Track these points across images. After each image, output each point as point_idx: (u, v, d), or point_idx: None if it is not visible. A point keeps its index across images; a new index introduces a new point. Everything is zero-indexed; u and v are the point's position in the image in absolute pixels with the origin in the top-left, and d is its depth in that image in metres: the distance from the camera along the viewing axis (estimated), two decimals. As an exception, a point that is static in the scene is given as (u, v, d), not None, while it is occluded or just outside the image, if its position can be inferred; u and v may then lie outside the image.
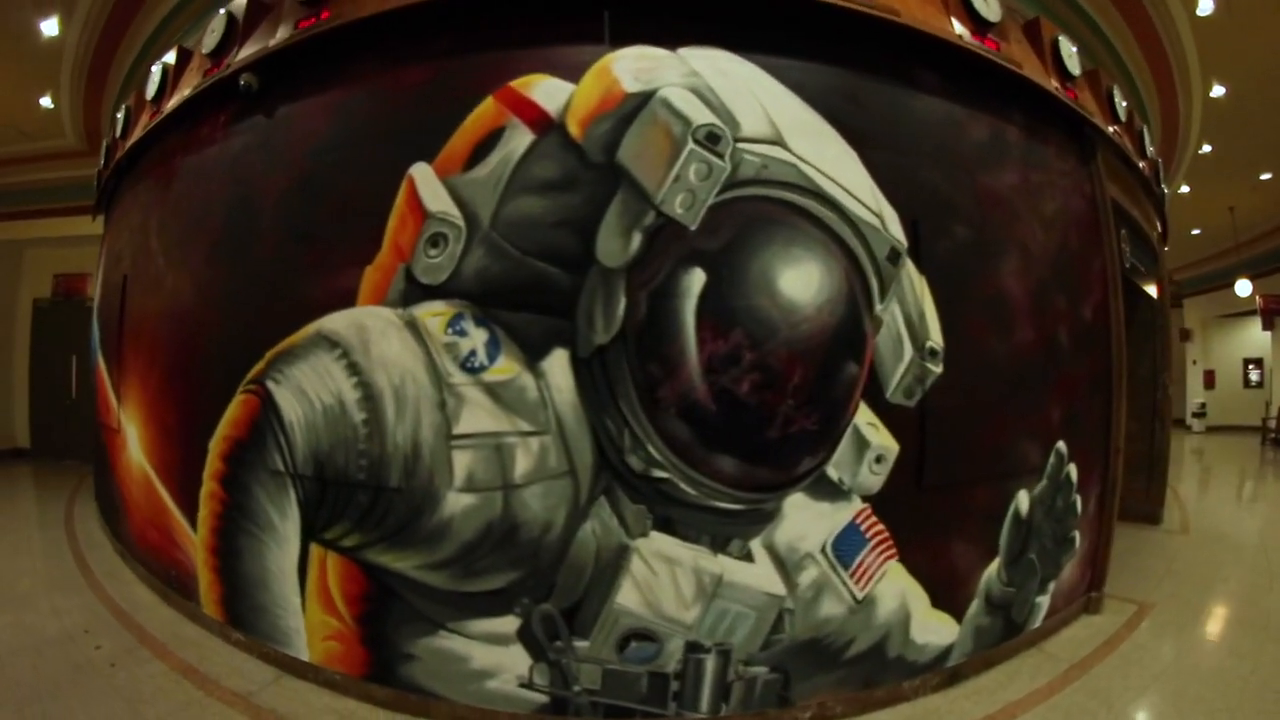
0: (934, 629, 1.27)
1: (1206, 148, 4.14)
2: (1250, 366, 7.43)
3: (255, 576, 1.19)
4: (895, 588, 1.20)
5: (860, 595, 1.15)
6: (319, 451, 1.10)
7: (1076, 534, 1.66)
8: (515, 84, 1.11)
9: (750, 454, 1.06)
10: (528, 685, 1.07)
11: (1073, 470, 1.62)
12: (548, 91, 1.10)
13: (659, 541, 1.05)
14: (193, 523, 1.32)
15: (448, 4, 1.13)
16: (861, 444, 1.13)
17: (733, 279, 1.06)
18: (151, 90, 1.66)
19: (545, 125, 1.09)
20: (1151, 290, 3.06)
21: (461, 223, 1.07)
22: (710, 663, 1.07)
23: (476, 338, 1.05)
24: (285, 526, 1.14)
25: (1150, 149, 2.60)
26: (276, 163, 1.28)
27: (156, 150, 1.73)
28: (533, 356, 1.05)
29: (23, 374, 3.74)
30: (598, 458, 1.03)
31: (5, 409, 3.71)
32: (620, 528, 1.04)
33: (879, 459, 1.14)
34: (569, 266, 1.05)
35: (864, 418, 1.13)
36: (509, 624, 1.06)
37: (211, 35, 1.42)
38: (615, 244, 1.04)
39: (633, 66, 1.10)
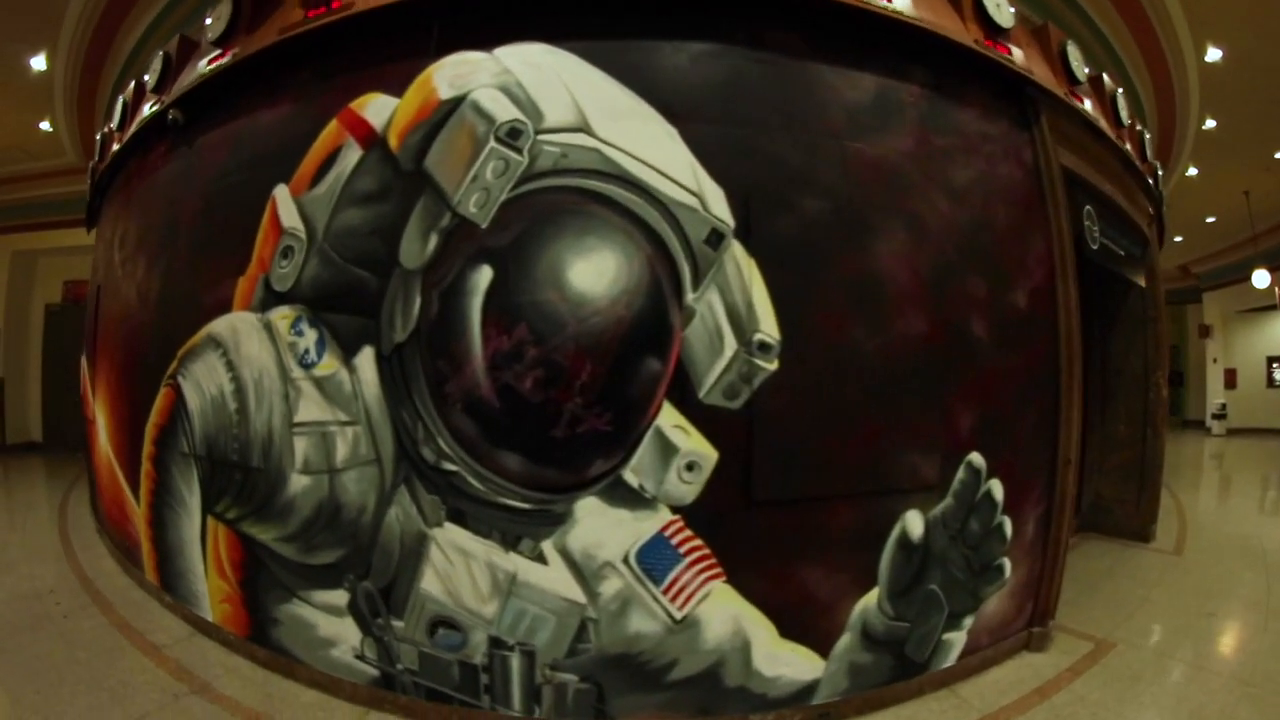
0: (787, 661, 1.19)
1: (1210, 123, 4.03)
2: (1275, 365, 7.35)
3: (175, 545, 1.52)
4: (726, 612, 1.14)
5: (679, 615, 1.11)
6: (209, 435, 1.40)
7: (1005, 562, 1.52)
8: (353, 105, 1.36)
9: (535, 453, 1.10)
10: (361, 657, 1.26)
11: (995, 487, 1.48)
12: (377, 109, 1.33)
13: (453, 533, 1.12)
14: (138, 499, 1.71)
15: (309, 36, 1.42)
16: (667, 449, 1.09)
17: (519, 274, 1.11)
18: (115, 120, 2.12)
19: (371, 140, 1.33)
20: (1140, 278, 3.08)
21: (304, 236, 1.40)
22: (515, 661, 1.13)
23: (310, 337, 1.34)
24: (191, 501, 1.44)
25: (1127, 117, 2.54)
26: (192, 187, 1.63)
27: (121, 174, 2.15)
28: (348, 354, 1.24)
29: (36, 373, 4.52)
30: (398, 448, 1.16)
31: (21, 405, 4.52)
32: (419, 515, 1.16)
33: (690, 466, 1.10)
34: (378, 271, 1.21)
35: (670, 420, 1.10)
36: (341, 597, 1.26)
37: (153, 73, 1.83)
38: (415, 247, 1.21)
39: (450, 74, 1.23)
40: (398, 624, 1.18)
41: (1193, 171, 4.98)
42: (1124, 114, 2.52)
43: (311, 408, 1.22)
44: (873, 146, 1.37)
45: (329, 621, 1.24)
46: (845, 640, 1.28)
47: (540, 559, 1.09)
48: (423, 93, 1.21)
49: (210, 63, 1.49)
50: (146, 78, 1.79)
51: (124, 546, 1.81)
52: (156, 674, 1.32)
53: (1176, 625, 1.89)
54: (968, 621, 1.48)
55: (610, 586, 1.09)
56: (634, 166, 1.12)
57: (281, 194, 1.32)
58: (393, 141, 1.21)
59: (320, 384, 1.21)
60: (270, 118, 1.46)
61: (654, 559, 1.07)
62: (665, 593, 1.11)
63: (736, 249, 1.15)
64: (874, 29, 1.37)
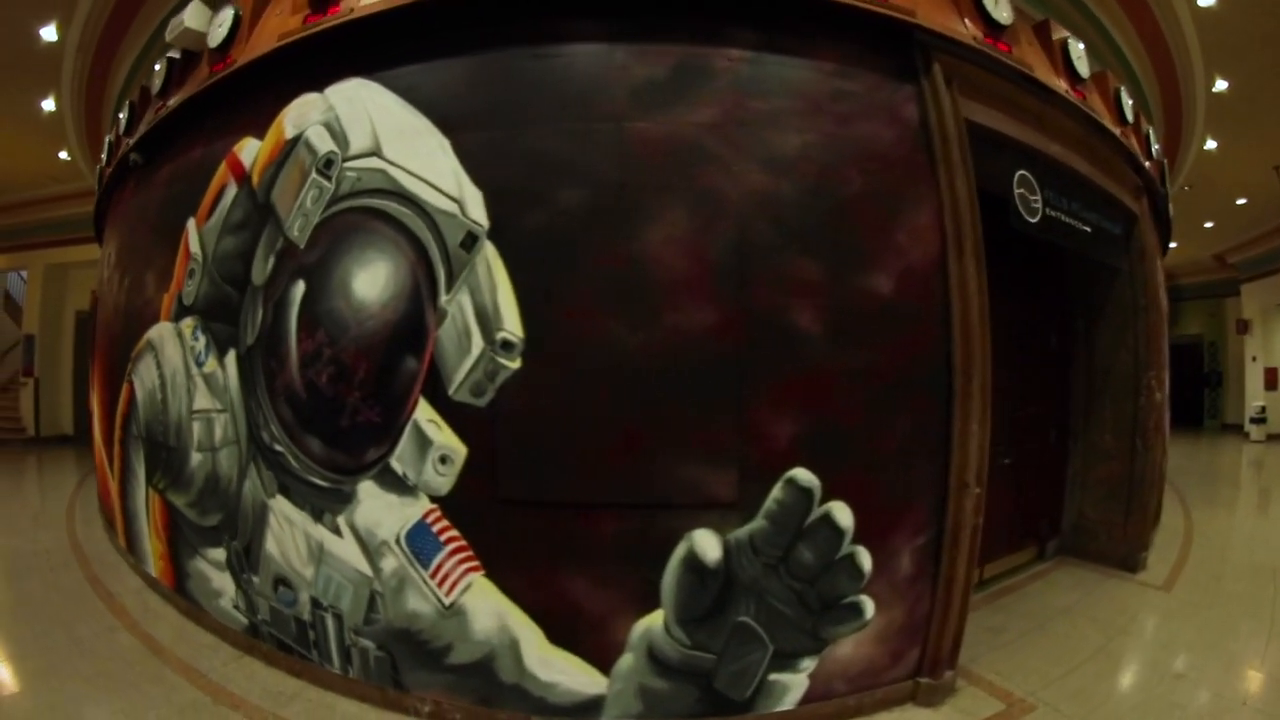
0: (561, 669, 1.52)
1: (1221, 84, 4.16)
2: (1321, 364, 7.64)
3: (134, 512, 2.47)
4: (490, 606, 1.53)
5: (447, 600, 1.55)
6: (148, 420, 2.33)
7: (863, 600, 1.62)
8: (235, 148, 2.16)
9: (330, 439, 1.68)
10: (237, 607, 2.04)
11: (838, 511, 1.58)
12: (249, 151, 2.07)
13: (282, 503, 1.77)
14: (113, 476, 2.73)
15: (212, 89, 2.18)
16: (424, 441, 1.54)
17: (320, 287, 1.72)
18: (104, 156, 3.31)
19: (242, 179, 2.08)
20: (1119, 260, 3.17)
21: (201, 260, 2.20)
22: (330, 622, 1.72)
23: (201, 342, 2.12)
24: (140, 474, 2.44)
25: (1087, 69, 2.61)
26: (146, 217, 2.59)
27: (109, 202, 3.36)
28: (222, 354, 2.01)
29: (68, 373, 6.42)
30: (249, 431, 1.88)
31: (53, 402, 6.48)
32: (261, 487, 1.88)
33: (443, 459, 1.53)
34: (240, 288, 1.95)
35: (425, 414, 1.54)
36: (221, 554, 2.03)
37: (122, 117, 2.89)
38: (260, 267, 1.91)
39: (294, 115, 1.94)
40: (255, 579, 1.81)
41: (1211, 145, 5.15)
42: (1081, 66, 2.53)
43: (202, 399, 1.94)
44: (661, 124, 1.57)
45: (217, 575, 1.95)
46: (628, 660, 1.52)
47: (337, 532, 1.62)
48: (276, 134, 1.86)
49: (155, 112, 2.35)
50: (121, 115, 2.83)
51: (108, 518, 2.89)
52: (105, 615, 2.22)
53: (1128, 688, 1.86)
54: (808, 664, 1.62)
55: (389, 564, 1.59)
56: (408, 181, 1.61)
57: (191, 226, 2.09)
58: (255, 179, 1.88)
59: (207, 380, 1.92)
60: (189, 160, 2.32)
61: (420, 543, 1.53)
62: (432, 577, 1.56)
63: (488, 250, 1.54)
64: None
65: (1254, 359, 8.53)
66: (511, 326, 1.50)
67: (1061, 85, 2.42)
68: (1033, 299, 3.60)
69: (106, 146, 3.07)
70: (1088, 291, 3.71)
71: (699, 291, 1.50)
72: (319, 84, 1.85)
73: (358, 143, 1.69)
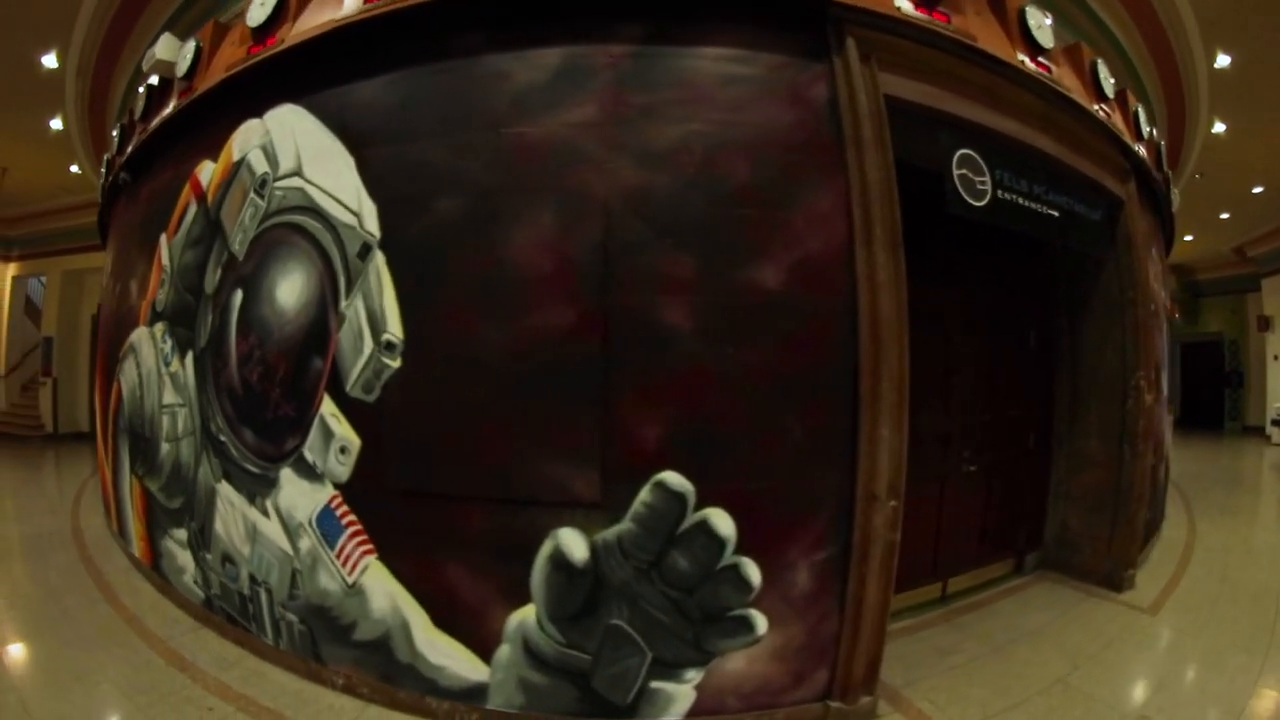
0: (446, 653, 1.84)
1: (1223, 59, 4.14)
2: (1346, 362, 8.05)
3: (122, 498, 3.16)
4: (384, 587, 1.89)
5: (350, 580, 1.94)
6: (130, 415, 2.97)
7: (754, 615, 1.76)
8: (196, 169, 2.70)
9: (259, 430, 2.16)
10: (196, 582, 2.58)
11: (717, 519, 1.73)
12: (206, 173, 2.60)
13: (226, 487, 2.27)
14: (109, 466, 3.49)
15: (178, 115, 2.80)
16: (328, 433, 1.95)
17: (254, 294, 2.20)
18: (103, 172, 4.09)
19: (200, 198, 2.62)
20: (1098, 247, 3.17)
21: (169, 271, 2.75)
22: (263, 596, 2.20)
23: (169, 344, 2.67)
24: (126, 464, 3.12)
25: (1049, 39, 2.60)
26: (133, 231, 3.24)
27: (109, 213, 4.11)
28: (183, 355, 2.55)
29: (84, 373, 7.43)
30: (202, 423, 2.43)
31: (71, 400, 7.68)
32: (211, 473, 2.41)
33: (343, 450, 1.93)
34: (197, 296, 2.51)
35: (329, 409, 1.95)
36: (184, 534, 2.60)
37: (114, 139, 3.62)
38: (211, 277, 2.42)
39: (239, 140, 2.45)
40: (209, 557, 2.31)
41: (1219, 128, 5.17)
42: (1043, 36, 2.55)
43: (169, 394, 2.48)
44: (538, 127, 1.83)
45: (181, 553, 2.48)
46: (506, 651, 1.79)
47: (266, 514, 2.08)
48: (226, 157, 2.36)
49: (138, 135, 2.96)
50: (115, 135, 3.46)
51: (106, 505, 3.51)
52: (91, 590, 2.83)
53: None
54: (693, 675, 1.76)
55: (305, 544, 2.00)
56: (320, 197, 2.04)
57: (163, 240, 2.66)
58: (209, 198, 2.40)
59: (173, 378, 2.46)
60: (164, 180, 2.91)
61: (327, 526, 1.95)
62: (337, 558, 1.96)
63: (379, 258, 1.91)
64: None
65: (1276, 358, 8.67)
66: (393, 329, 1.86)
67: (1017, 57, 2.44)
68: (1009, 292, 3.63)
69: (105, 163, 3.76)
70: (1072, 284, 3.70)
71: (560, 291, 1.74)
72: (260, 110, 2.32)
73: (284, 164, 2.14)
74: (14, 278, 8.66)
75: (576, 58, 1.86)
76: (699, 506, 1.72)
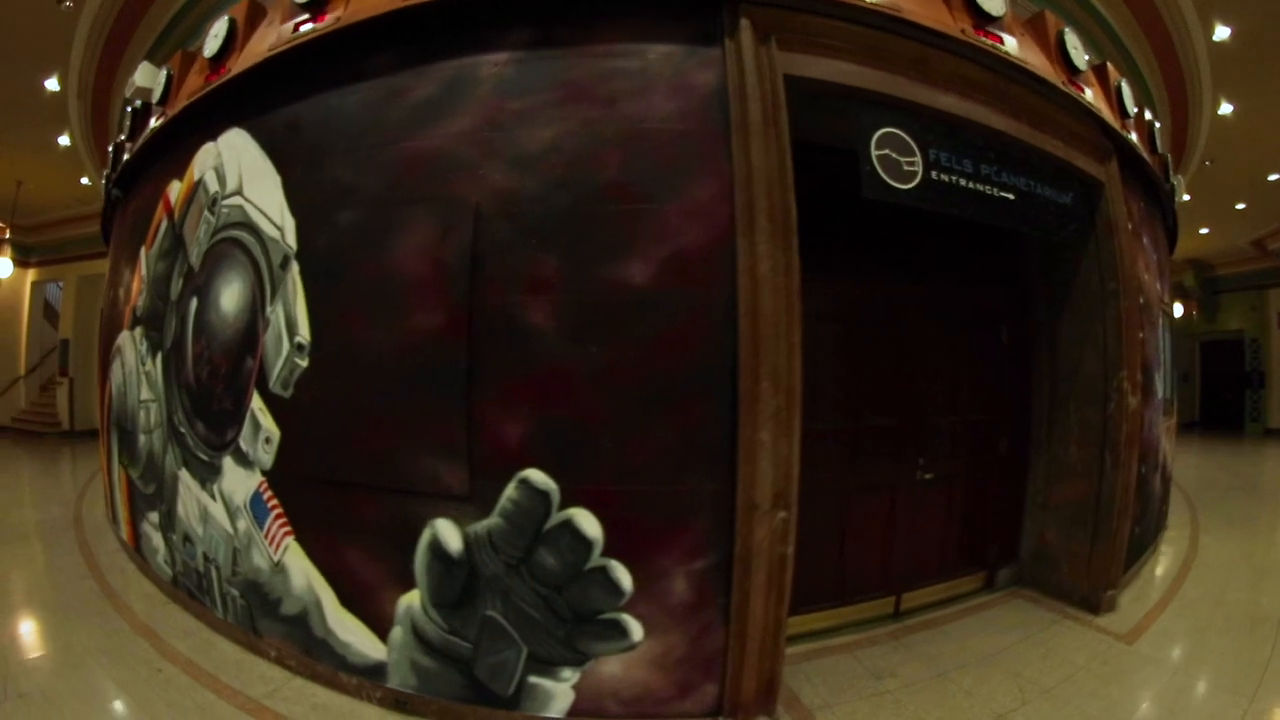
0: (352, 630, 2.18)
1: (1221, 31, 3.91)
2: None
3: (113, 486, 3.75)
4: (300, 565, 2.28)
5: (275, 557, 2.36)
6: (118, 410, 3.50)
7: (626, 620, 1.83)
8: (168, 188, 3.10)
9: (207, 422, 2.59)
10: (165, 561, 2.99)
11: (582, 519, 1.81)
12: (175, 191, 3.03)
13: (185, 473, 2.76)
14: (105, 457, 4.12)
15: (154, 138, 3.24)
16: (256, 425, 2.38)
17: (205, 302, 2.64)
18: (103, 185, 4.82)
19: (169, 214, 3.01)
20: (1064, 232, 2.88)
21: (147, 279, 3.15)
22: (214, 573, 2.66)
23: (145, 345, 3.11)
24: (115, 454, 3.59)
25: (993, 4, 2.44)
26: (123, 242, 3.92)
27: (109, 226, 4.78)
28: (154, 355, 3.00)
29: (97, 373, 8.09)
30: (168, 416, 2.85)
31: (87, 400, 8.31)
32: (175, 461, 2.80)
33: (267, 440, 2.35)
34: (165, 303, 2.93)
35: (257, 404, 2.38)
36: (156, 518, 3.03)
37: (110, 159, 4.25)
38: (175, 286, 2.84)
39: (198, 162, 2.87)
40: (174, 537, 2.69)
41: (1226, 109, 4.97)
42: (991, 6, 2.47)
43: (145, 391, 2.90)
44: (426, 139, 2.07)
45: (155, 534, 2.91)
46: (399, 633, 2.06)
47: (214, 498, 2.44)
48: (188, 178, 2.76)
49: (126, 154, 3.37)
50: (110, 152, 3.88)
51: (106, 494, 3.91)
52: (81, 568, 3.44)
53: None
54: (569, 674, 1.88)
55: (242, 525, 2.40)
56: (254, 214, 2.49)
57: (143, 252, 3.08)
58: (176, 215, 2.76)
59: (147, 376, 2.87)
60: (145, 196, 3.51)
61: (257, 509, 2.36)
62: (266, 538, 2.38)
63: (295, 268, 2.31)
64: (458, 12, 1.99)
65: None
66: (304, 332, 2.25)
67: (956, 27, 2.36)
68: (979, 285, 3.46)
69: (104, 179, 4.23)
70: (1051, 276, 3.48)
71: (433, 294, 1.98)
72: (215, 134, 2.79)
73: (230, 184, 2.52)
74: (33, 283, 9.66)
75: (464, 69, 2.08)
76: (564, 506, 1.82)
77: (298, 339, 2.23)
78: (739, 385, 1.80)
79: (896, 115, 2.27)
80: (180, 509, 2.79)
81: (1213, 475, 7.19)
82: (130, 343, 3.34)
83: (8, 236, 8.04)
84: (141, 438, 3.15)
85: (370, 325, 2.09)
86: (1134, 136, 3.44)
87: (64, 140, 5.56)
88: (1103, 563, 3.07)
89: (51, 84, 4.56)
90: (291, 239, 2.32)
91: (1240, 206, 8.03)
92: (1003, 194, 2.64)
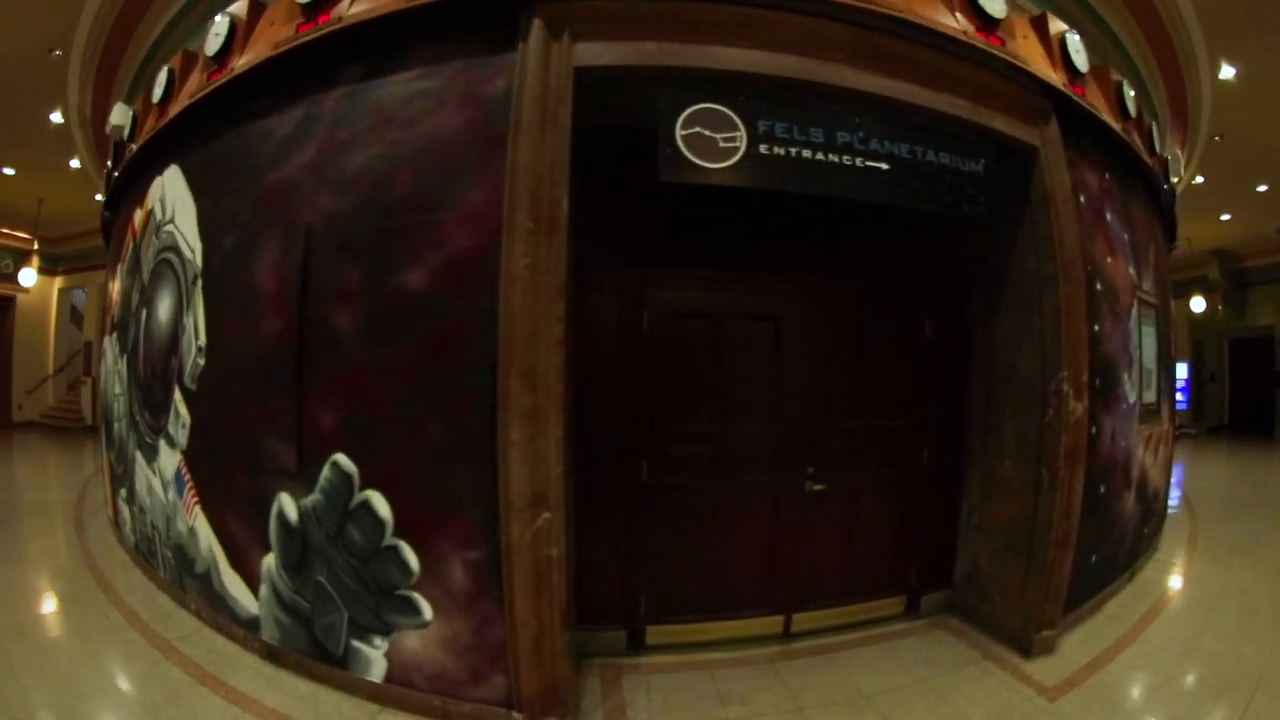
0: (238, 587, 2.99)
1: None
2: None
3: (102, 470, 4.58)
4: (205, 530, 3.23)
5: (190, 524, 3.36)
6: (104, 404, 4.48)
7: (417, 598, 2.21)
8: (134, 215, 3.85)
9: (150, 410, 3.51)
10: (131, 531, 3.78)
11: (376, 500, 2.25)
12: (139, 217, 3.81)
13: (140, 455, 3.78)
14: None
15: (127, 168, 4.01)
16: (177, 413, 3.39)
17: (150, 312, 3.49)
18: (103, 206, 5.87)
19: (134, 236, 3.77)
20: (995, 212, 2.62)
21: (120, 292, 3.92)
22: (157, 538, 3.53)
23: (116, 348, 3.96)
24: (104, 443, 4.42)
25: None
26: (112, 259, 5.05)
27: (106, 242, 6.11)
28: (122, 356, 3.86)
29: None
30: (129, 406, 3.71)
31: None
32: (134, 445, 3.60)
33: (183, 425, 3.35)
34: (129, 312, 3.83)
35: (177, 395, 3.39)
36: (125, 493, 3.90)
37: (104, 184, 5.21)
38: (135, 298, 3.65)
39: (153, 193, 3.72)
40: (135, 509, 3.42)
41: (1227, 73, 4.49)
42: None
43: (117, 386, 3.73)
44: (283, 171, 2.78)
45: (125, 508, 3.79)
46: (265, 591, 2.83)
47: (154, 474, 3.12)
48: (145, 207, 3.45)
49: (111, 180, 4.15)
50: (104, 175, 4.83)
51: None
52: (72, 537, 4.75)
53: None
54: (380, 643, 2.37)
55: (171, 496, 3.26)
56: (179, 239, 3.38)
57: (119, 268, 3.77)
58: (138, 237, 3.48)
59: (117, 373, 3.64)
60: (122, 220, 4.83)
61: (179, 482, 3.25)
62: (184, 506, 3.18)
63: (200, 283, 3.27)
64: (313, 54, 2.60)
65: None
66: (203, 336, 3.18)
67: None
68: (891, 274, 3.21)
69: (100, 198, 5.21)
70: (986, 260, 3.14)
71: (275, 305, 2.70)
72: (162, 169, 3.67)
73: (168, 213, 3.31)
74: (60, 289, 10.96)
75: (312, 106, 2.75)
76: (364, 487, 2.29)
77: (199, 343, 3.16)
78: (498, 384, 2.01)
79: (714, 89, 2.18)
80: (138, 485, 3.66)
81: (1229, 487, 6.63)
82: (109, 346, 4.28)
83: (36, 247, 9.27)
84: (115, 426, 3.99)
85: (240, 331, 2.91)
86: (1086, 97, 3.12)
87: (75, 163, 6.65)
88: (1037, 598, 2.74)
89: (55, 117, 5.49)
90: (199, 259, 3.25)
91: (1262, 189, 7.46)
92: (871, 164, 2.44)
